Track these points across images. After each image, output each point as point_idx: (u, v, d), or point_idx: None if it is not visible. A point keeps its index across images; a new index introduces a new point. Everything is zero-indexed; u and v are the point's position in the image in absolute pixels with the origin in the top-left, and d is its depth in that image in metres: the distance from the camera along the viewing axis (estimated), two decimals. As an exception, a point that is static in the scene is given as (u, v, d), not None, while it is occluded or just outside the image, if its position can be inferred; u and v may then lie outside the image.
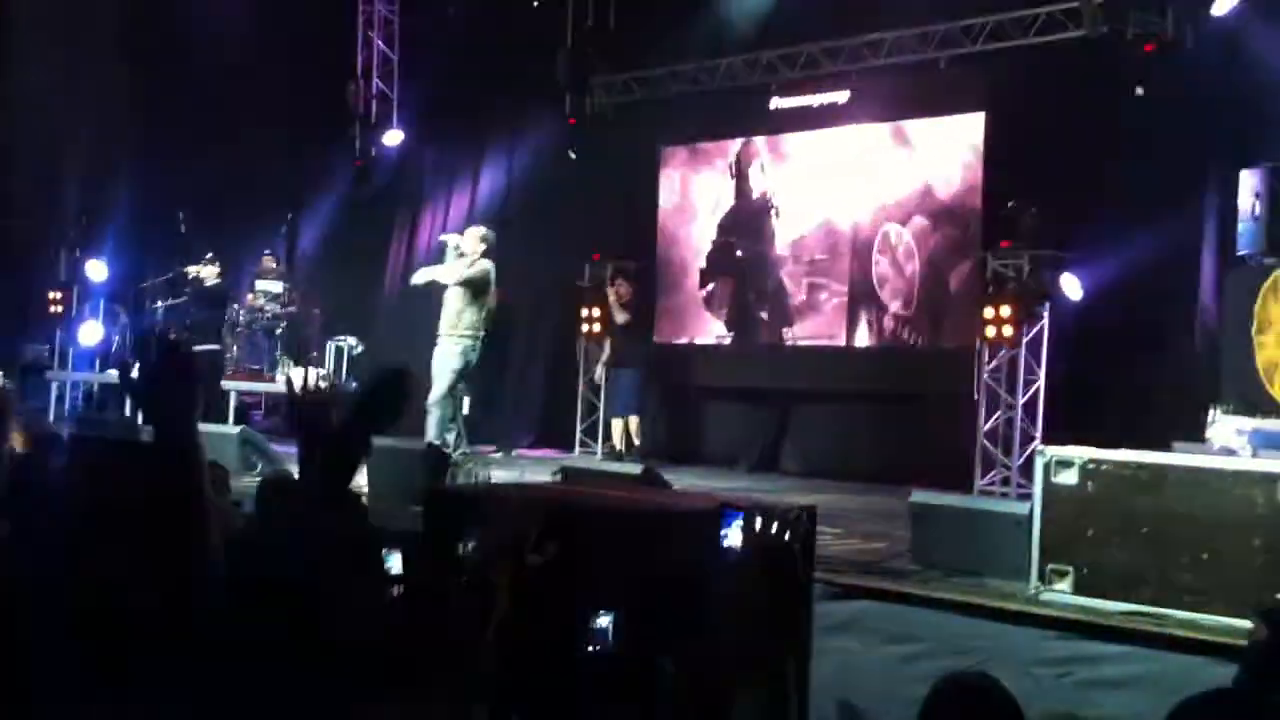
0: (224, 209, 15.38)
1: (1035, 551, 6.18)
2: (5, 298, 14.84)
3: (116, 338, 14.71)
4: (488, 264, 10.11)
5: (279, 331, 14.14)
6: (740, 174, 13.11)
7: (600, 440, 13.12)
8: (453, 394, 9.99)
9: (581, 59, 13.75)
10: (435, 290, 10.44)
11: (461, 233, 10.74)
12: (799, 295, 12.54)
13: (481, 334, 10.11)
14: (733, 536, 3.85)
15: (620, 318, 12.71)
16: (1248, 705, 2.80)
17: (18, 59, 15.20)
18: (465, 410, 10.49)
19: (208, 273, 12.70)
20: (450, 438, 9.82)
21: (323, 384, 2.81)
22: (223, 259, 13.37)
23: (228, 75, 15.13)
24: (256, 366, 14.00)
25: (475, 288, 9.99)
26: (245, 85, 15.24)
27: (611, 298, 12.78)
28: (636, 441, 12.36)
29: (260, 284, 14.31)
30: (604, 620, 3.49)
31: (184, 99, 15.09)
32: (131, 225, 14.76)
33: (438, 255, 10.81)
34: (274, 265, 14.46)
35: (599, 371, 13.05)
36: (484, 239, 10.17)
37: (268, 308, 14.04)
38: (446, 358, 9.97)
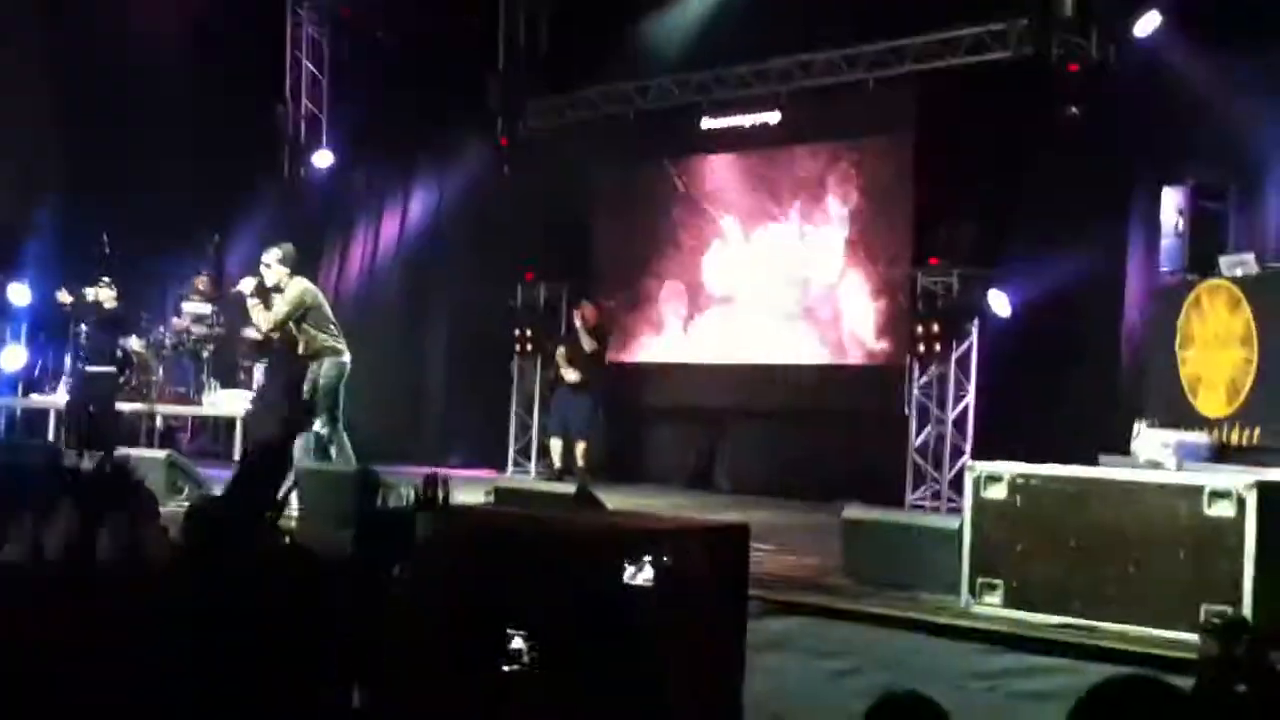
0: (150, 230, 15.14)
1: (965, 566, 6.21)
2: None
3: (39, 362, 14.43)
4: (299, 285, 9.57)
5: (206, 354, 13.94)
6: (671, 194, 13.12)
7: (535, 459, 13.07)
8: (332, 417, 9.54)
9: (513, 81, 13.75)
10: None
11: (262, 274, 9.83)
12: (732, 314, 12.57)
13: (338, 345, 9.57)
14: (639, 564, 3.85)
15: (587, 345, 12.38)
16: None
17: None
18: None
19: (105, 296, 12.51)
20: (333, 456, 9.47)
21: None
22: (147, 281, 13.18)
23: (154, 94, 14.91)
24: (183, 389, 13.80)
25: (295, 315, 9.49)
26: (172, 104, 15.04)
27: (578, 322, 12.60)
28: (581, 463, 12.21)
29: (187, 305, 14.10)
30: (518, 642, 3.46)
31: (108, 118, 14.86)
32: (54, 247, 14.48)
33: (242, 308, 10.24)
34: (204, 287, 14.24)
35: (535, 391, 13.02)
36: (283, 255, 9.62)
37: (194, 329, 13.84)
38: (321, 376, 9.52)
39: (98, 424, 12.16)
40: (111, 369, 12.49)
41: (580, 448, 12.25)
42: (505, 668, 3.26)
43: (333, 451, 9.50)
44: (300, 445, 9.37)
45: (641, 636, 3.78)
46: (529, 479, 12.38)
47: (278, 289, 9.60)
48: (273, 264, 9.64)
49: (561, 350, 12.50)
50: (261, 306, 9.63)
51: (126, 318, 13.16)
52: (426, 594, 3.24)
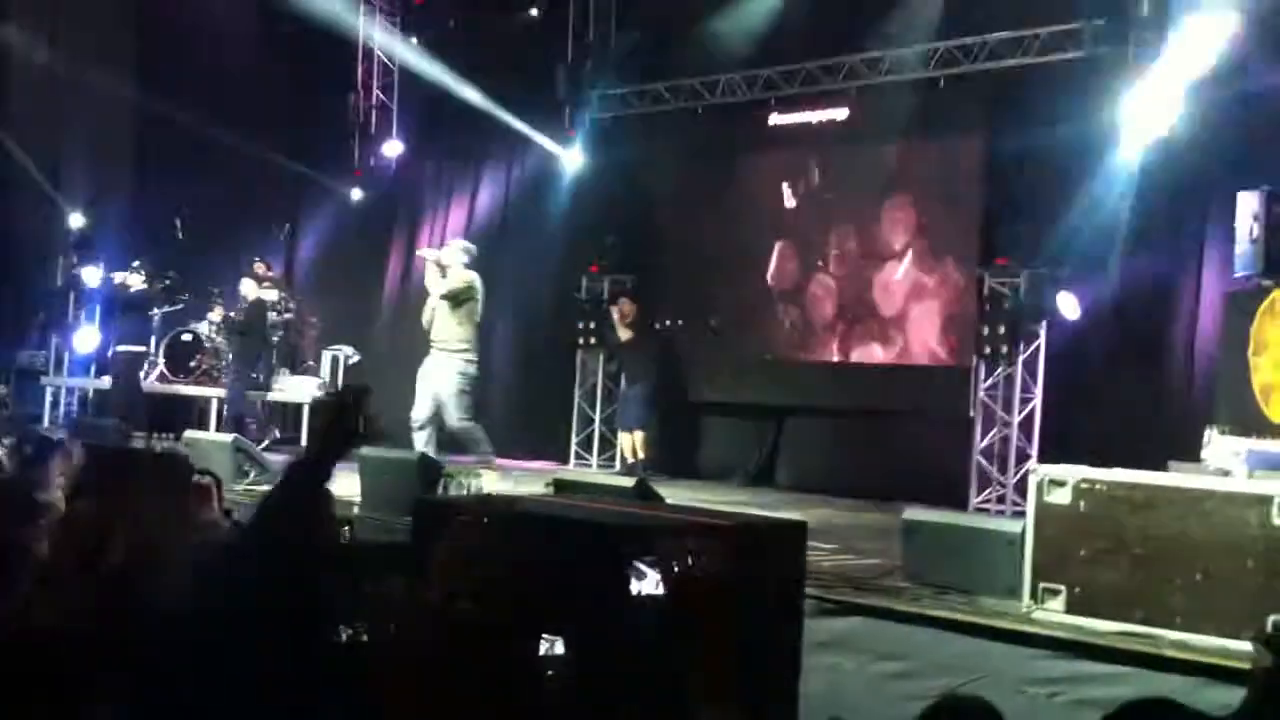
0: (223, 217, 15.39)
1: (1027, 570, 6.15)
2: (1, 304, 14.85)
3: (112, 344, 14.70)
4: (472, 275, 10.04)
5: (275, 339, 14.12)
6: (738, 190, 13.09)
7: (596, 451, 13.16)
8: (467, 411, 9.91)
9: (581, 73, 13.79)
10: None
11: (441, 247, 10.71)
12: (797, 310, 12.51)
13: (475, 346, 10.04)
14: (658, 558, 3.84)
15: (624, 335, 12.72)
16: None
17: (16, 65, 15.21)
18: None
19: (133, 280, 12.89)
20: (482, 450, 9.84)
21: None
22: (220, 267, 13.40)
23: (228, 84, 15.15)
24: (253, 375, 13.97)
25: (458, 299, 9.92)
26: (246, 94, 15.27)
27: (615, 316, 12.77)
28: (642, 455, 12.32)
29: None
30: (559, 646, 3.45)
31: (183, 107, 15.08)
32: (129, 232, 14.75)
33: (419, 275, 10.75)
34: (265, 271, 14.43)
35: (598, 384, 13.08)
36: (465, 250, 10.11)
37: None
38: (448, 377, 9.87)
39: (120, 400, 12.62)
40: (138, 349, 12.90)
41: (637, 439, 12.31)
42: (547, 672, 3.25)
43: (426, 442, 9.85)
44: (424, 437, 9.63)
45: (656, 633, 3.79)
46: (590, 471, 12.40)
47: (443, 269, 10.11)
48: (454, 251, 10.14)
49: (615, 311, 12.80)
50: (439, 274, 10.09)
51: (151, 302, 13.58)
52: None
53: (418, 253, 10.77)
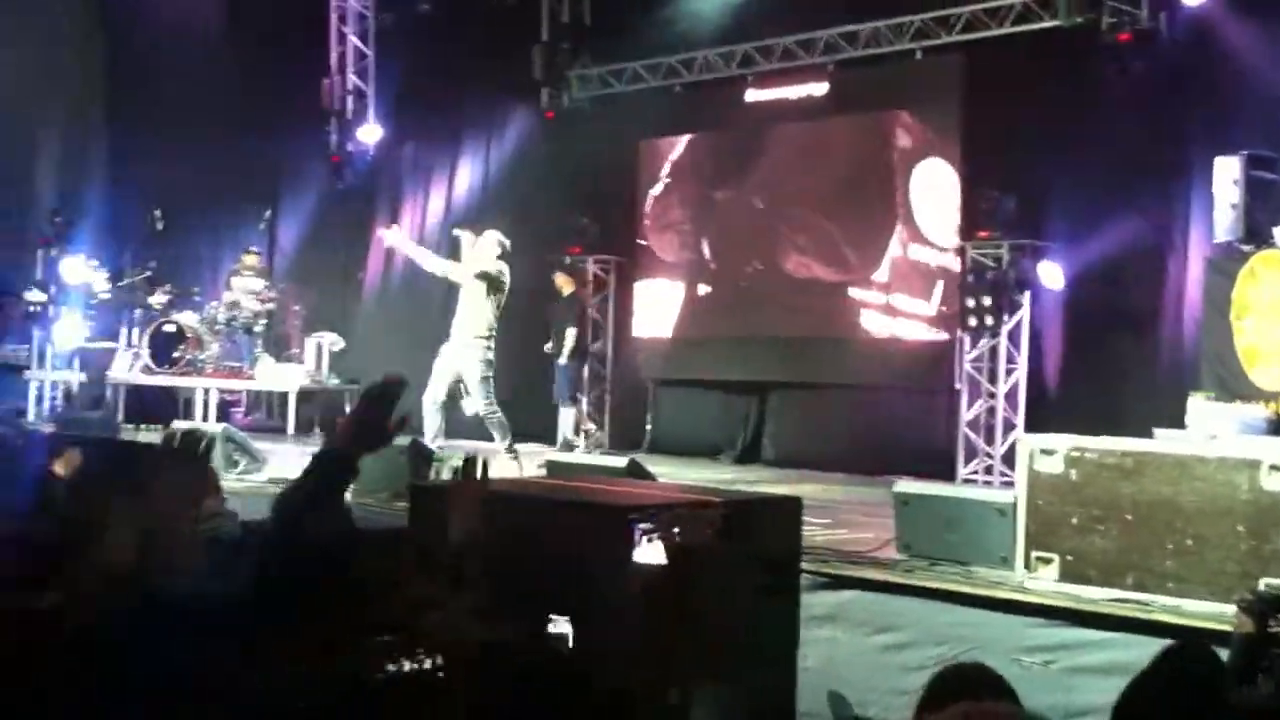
0: (201, 206, 15.32)
1: (1020, 539, 6.20)
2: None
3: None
4: (504, 266, 10.03)
5: (257, 329, 14.08)
6: (715, 167, 13.10)
7: (582, 435, 13.16)
8: (490, 397, 9.95)
9: (557, 53, 13.76)
10: (419, 287, 10.43)
11: (462, 227, 10.62)
12: (778, 286, 12.53)
13: (494, 334, 10.05)
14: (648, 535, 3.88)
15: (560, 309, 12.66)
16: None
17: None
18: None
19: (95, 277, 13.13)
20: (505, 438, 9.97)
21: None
22: (199, 256, 13.35)
23: (202, 72, 15.06)
24: (236, 364, 13.94)
25: (493, 285, 9.90)
26: (221, 82, 15.18)
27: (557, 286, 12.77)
28: (566, 434, 12.32)
29: (237, 281, 14.24)
30: (562, 625, 3.48)
31: (158, 97, 15.01)
32: (107, 223, 14.67)
33: (451, 249, 10.65)
34: (255, 262, 14.38)
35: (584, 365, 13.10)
36: (499, 243, 10.07)
37: (246, 304, 13.98)
38: (472, 364, 9.89)
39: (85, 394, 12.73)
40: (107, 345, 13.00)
41: (566, 415, 12.31)
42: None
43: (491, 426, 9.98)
44: (438, 420, 9.69)
45: (654, 608, 3.82)
46: (578, 453, 12.42)
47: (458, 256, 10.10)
48: (491, 242, 10.02)
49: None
50: (437, 258, 10.22)
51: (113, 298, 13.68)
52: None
53: (454, 231, 10.56)
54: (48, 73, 15.31)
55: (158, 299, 13.83)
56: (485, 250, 10.05)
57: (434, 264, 10.24)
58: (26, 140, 15.44)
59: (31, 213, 15.17)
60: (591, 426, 12.71)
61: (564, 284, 12.63)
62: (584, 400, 12.99)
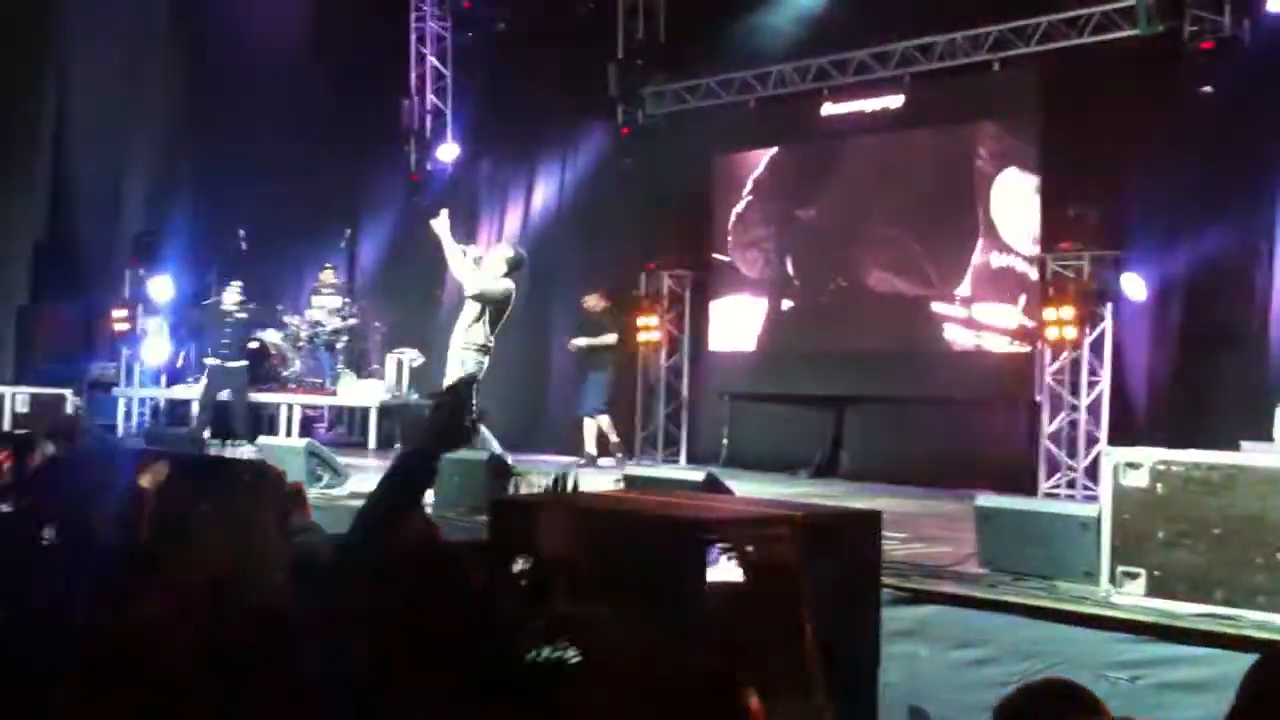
0: (284, 225, 15.60)
1: (1105, 554, 6.12)
2: (72, 317, 15.13)
3: (181, 355, 14.96)
4: (508, 285, 10.01)
5: (339, 345, 14.29)
6: (792, 180, 13.08)
7: (661, 446, 13.20)
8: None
9: (632, 70, 13.83)
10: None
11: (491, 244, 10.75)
12: (856, 299, 12.48)
13: (489, 346, 10.01)
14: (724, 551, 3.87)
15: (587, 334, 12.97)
16: None
17: (78, 82, 15.49)
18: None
19: (226, 296, 13.35)
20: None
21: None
22: (283, 274, 13.57)
23: (285, 94, 15.35)
24: (318, 380, 14.15)
25: (487, 302, 9.92)
26: (302, 103, 15.46)
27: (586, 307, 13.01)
28: (613, 439, 12.47)
29: (316, 299, 14.47)
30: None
31: (242, 119, 15.31)
32: (193, 243, 14.99)
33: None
34: (333, 280, 14.61)
35: (660, 379, 13.18)
36: (507, 260, 10.08)
37: (327, 322, 14.19)
38: (454, 368, 9.92)
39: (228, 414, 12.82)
40: (245, 363, 13.12)
41: (603, 424, 12.46)
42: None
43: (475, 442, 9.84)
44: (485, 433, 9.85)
45: (728, 623, 3.82)
46: (656, 465, 12.46)
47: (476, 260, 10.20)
48: (498, 259, 10.11)
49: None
50: (464, 260, 10.11)
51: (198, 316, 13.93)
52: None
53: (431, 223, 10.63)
54: (135, 96, 15.69)
55: (242, 317, 14.07)
56: (493, 266, 10.09)
57: (454, 265, 10.18)
58: (116, 162, 15.82)
59: (120, 233, 15.54)
60: (616, 439, 12.66)
61: (596, 304, 12.80)
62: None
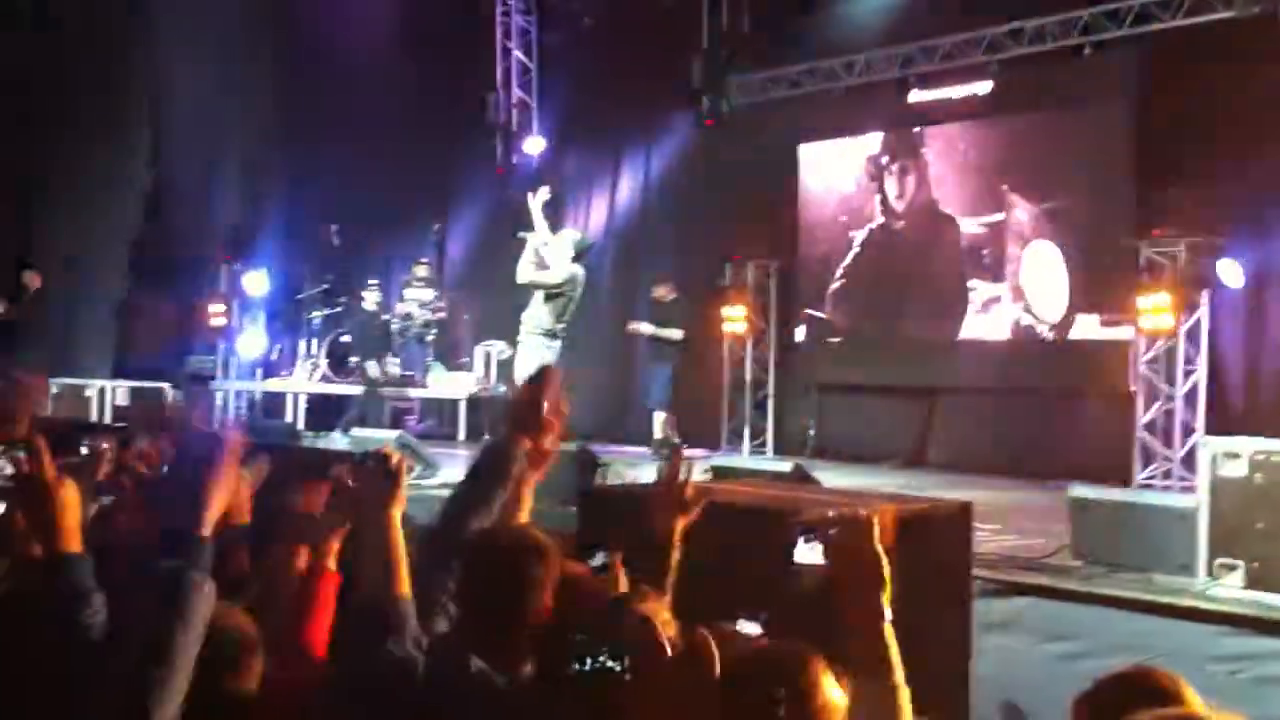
0: (374, 220, 15.82)
1: (1203, 546, 6.04)
2: (169, 311, 15.47)
3: (276, 348, 15.25)
4: (575, 269, 10.27)
5: (429, 338, 14.46)
6: (880, 169, 12.99)
7: (748, 437, 13.17)
8: None
9: (716, 61, 13.81)
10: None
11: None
12: (945, 288, 12.37)
13: (556, 331, 10.28)
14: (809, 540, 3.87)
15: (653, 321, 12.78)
16: None
17: (174, 79, 15.81)
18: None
19: (368, 297, 13.82)
20: None
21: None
22: (374, 268, 13.79)
23: (373, 89, 15.55)
24: (409, 373, 14.34)
25: (550, 294, 10.19)
26: (390, 98, 15.66)
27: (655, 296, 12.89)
28: (665, 434, 12.15)
29: (409, 292, 14.66)
30: (749, 627, 3.50)
31: (330, 114, 15.53)
32: (286, 238, 15.26)
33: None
34: (425, 273, 14.79)
35: (746, 369, 13.13)
36: (574, 244, 10.41)
37: (417, 315, 14.36)
38: (525, 356, 10.24)
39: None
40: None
41: (659, 419, 12.23)
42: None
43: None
44: None
45: (818, 613, 3.81)
46: (743, 456, 12.44)
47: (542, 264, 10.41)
48: (564, 242, 10.40)
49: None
50: (533, 259, 10.47)
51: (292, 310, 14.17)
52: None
53: (520, 234, 10.81)
54: (228, 94, 15.99)
55: (334, 310, 14.35)
56: (560, 250, 10.22)
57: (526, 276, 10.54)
58: (210, 159, 16.14)
59: (215, 229, 15.86)
60: (662, 435, 12.25)
61: (665, 294, 12.71)
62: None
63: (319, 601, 2.86)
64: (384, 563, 2.57)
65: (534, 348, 10.15)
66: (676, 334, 12.43)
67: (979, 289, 12.09)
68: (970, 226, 12.21)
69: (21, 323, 13.86)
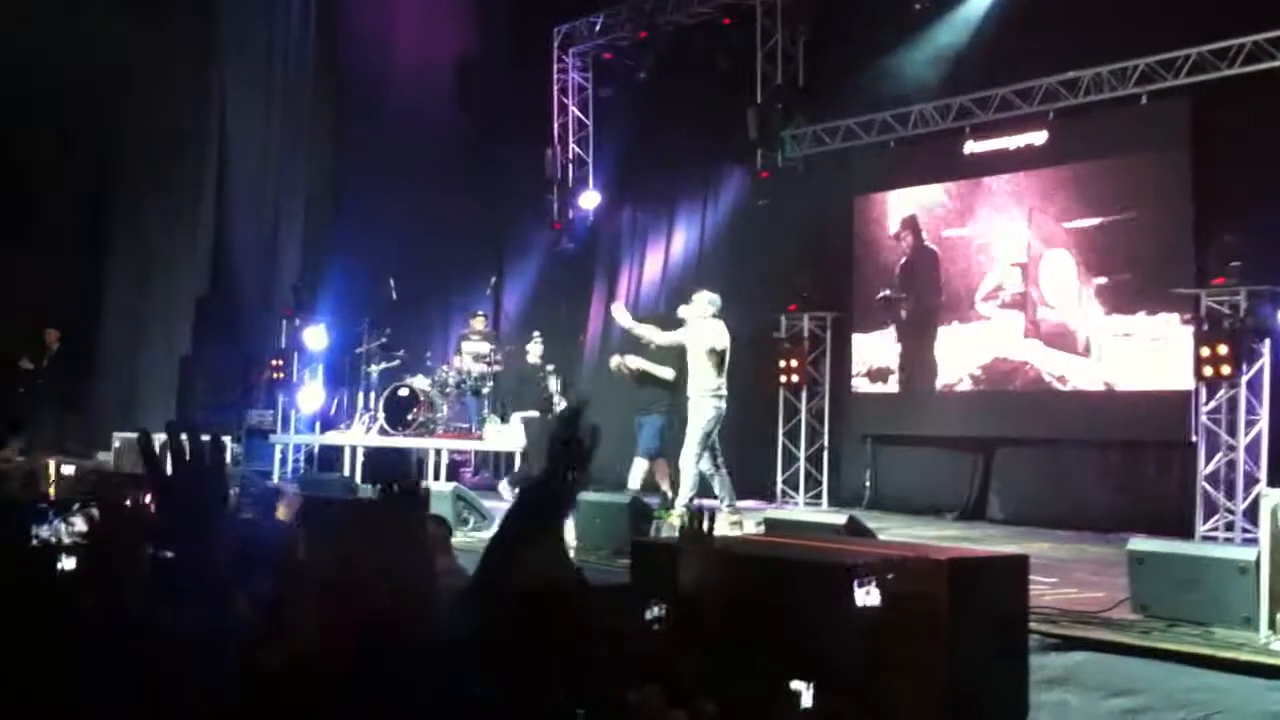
0: (431, 275, 16.00)
1: (1264, 599, 5.92)
2: (230, 365, 15.70)
3: (335, 402, 15.41)
4: (720, 326, 10.45)
5: (485, 390, 14.56)
6: (934, 220, 12.97)
7: (802, 489, 13.10)
8: (701, 452, 10.24)
9: (771, 113, 13.89)
10: (636, 348, 10.81)
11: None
12: (1002, 339, 12.30)
13: (723, 392, 10.36)
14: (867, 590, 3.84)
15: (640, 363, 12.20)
16: None
17: (236, 137, 16.12)
18: (710, 467, 10.53)
19: (532, 350, 13.88)
20: (710, 494, 10.24)
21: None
22: (430, 322, 13.89)
23: (431, 145, 15.79)
24: (465, 425, 14.44)
25: (707, 349, 10.30)
26: (448, 154, 15.89)
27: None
28: (633, 485, 11.25)
29: (466, 345, 14.79)
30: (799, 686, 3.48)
31: (388, 169, 15.77)
32: (345, 292, 15.46)
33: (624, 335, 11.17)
34: (482, 327, 14.93)
35: (801, 421, 13.09)
36: (710, 302, 10.52)
37: (474, 368, 14.48)
38: (694, 416, 10.35)
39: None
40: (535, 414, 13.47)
41: (642, 468, 11.34)
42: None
43: (715, 485, 10.41)
44: (688, 479, 10.16)
45: (873, 668, 3.77)
46: (796, 509, 12.39)
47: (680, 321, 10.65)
48: (701, 303, 10.57)
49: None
50: (656, 331, 10.86)
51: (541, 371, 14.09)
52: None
53: (613, 307, 11.01)
54: (290, 150, 16.29)
55: (391, 364, 14.48)
56: (697, 312, 10.32)
57: (659, 339, 10.77)
58: (271, 216, 16.42)
59: (276, 285, 16.10)
60: (666, 486, 11.57)
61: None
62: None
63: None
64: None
65: (698, 404, 10.36)
66: (668, 373, 11.77)
67: (1038, 338, 12.00)
68: (1033, 277, 12.13)
69: (41, 378, 14.26)
